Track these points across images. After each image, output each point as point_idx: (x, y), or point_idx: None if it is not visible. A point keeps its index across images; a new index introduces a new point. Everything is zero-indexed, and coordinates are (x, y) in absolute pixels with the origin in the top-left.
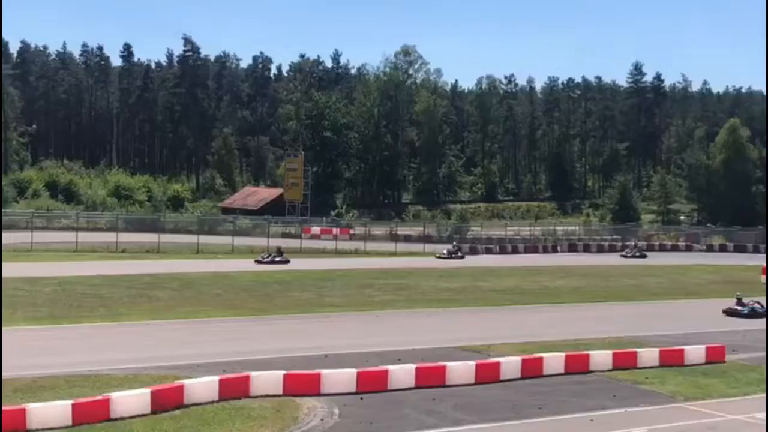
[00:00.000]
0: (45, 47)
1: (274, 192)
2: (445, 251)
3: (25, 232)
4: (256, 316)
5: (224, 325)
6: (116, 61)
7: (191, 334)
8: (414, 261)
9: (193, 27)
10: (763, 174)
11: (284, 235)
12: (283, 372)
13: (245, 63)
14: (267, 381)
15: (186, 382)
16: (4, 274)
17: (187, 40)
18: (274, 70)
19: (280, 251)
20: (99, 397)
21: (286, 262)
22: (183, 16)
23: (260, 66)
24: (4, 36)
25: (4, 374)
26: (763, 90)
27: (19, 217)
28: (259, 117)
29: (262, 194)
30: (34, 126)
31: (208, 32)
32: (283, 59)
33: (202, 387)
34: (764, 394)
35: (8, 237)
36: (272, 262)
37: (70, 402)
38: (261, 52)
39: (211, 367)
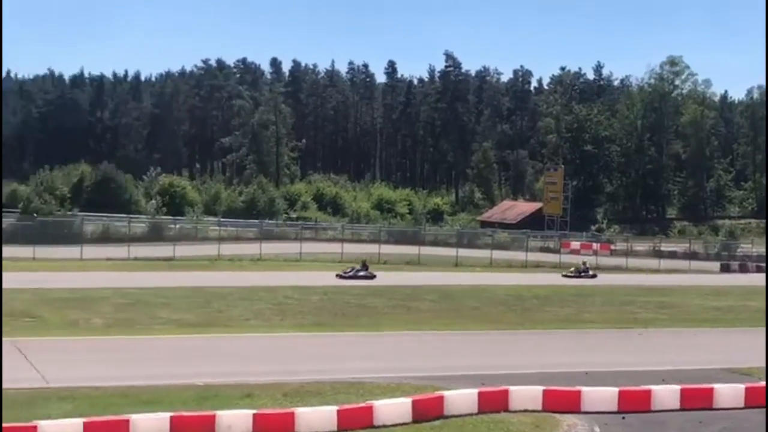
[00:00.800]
0: (315, 66)
1: (532, 206)
2: (572, 269)
3: (294, 242)
4: (514, 330)
5: (481, 338)
6: (380, 78)
7: (449, 345)
8: (673, 278)
9: (455, 43)
10: None
11: (542, 250)
12: (542, 387)
13: (506, 77)
14: (526, 395)
15: (446, 393)
16: (274, 282)
17: (449, 56)
18: (534, 84)
19: (365, 265)
20: (362, 404)
21: (372, 277)
22: (445, 32)
23: (520, 80)
24: (279, 56)
25: (274, 378)
26: None
27: (290, 229)
28: (518, 130)
29: (520, 208)
30: (304, 141)
31: (469, 47)
32: (543, 72)
33: (461, 399)
34: None
35: (279, 247)
36: (354, 276)
37: (335, 408)
38: (521, 66)
39: (469, 379)
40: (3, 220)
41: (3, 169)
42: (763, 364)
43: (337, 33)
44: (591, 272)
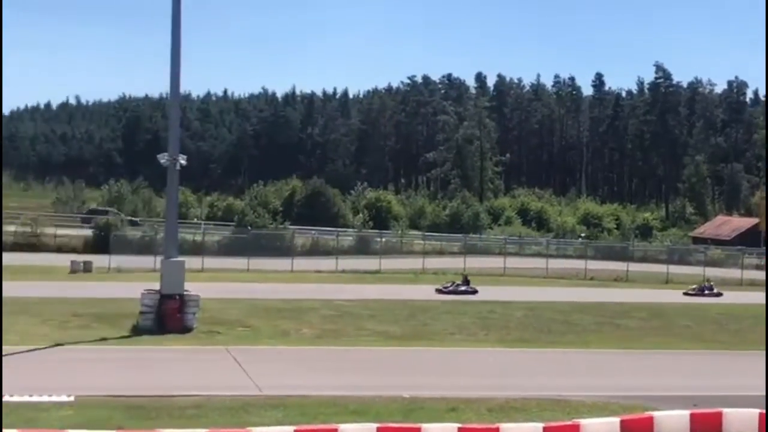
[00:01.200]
0: (519, 80)
1: (748, 221)
2: (694, 286)
3: (498, 257)
4: (726, 351)
5: (693, 357)
6: (587, 91)
7: (658, 364)
8: None
9: (665, 54)
10: None
11: (759, 267)
12: (758, 410)
13: (720, 88)
14: (741, 419)
15: (656, 413)
16: (477, 296)
17: (659, 68)
18: (750, 95)
19: (466, 279)
20: (569, 422)
21: (473, 292)
22: (655, 44)
23: (735, 91)
24: (483, 71)
25: (478, 393)
26: None
27: (494, 243)
28: (733, 143)
29: (735, 223)
30: (508, 155)
31: (680, 59)
32: (760, 83)
33: (672, 420)
34: None
35: (484, 261)
36: (454, 291)
37: (541, 425)
38: (736, 77)
39: (680, 399)
40: (218, 232)
41: (220, 184)
42: None
43: (543, 47)
44: (716, 290)
